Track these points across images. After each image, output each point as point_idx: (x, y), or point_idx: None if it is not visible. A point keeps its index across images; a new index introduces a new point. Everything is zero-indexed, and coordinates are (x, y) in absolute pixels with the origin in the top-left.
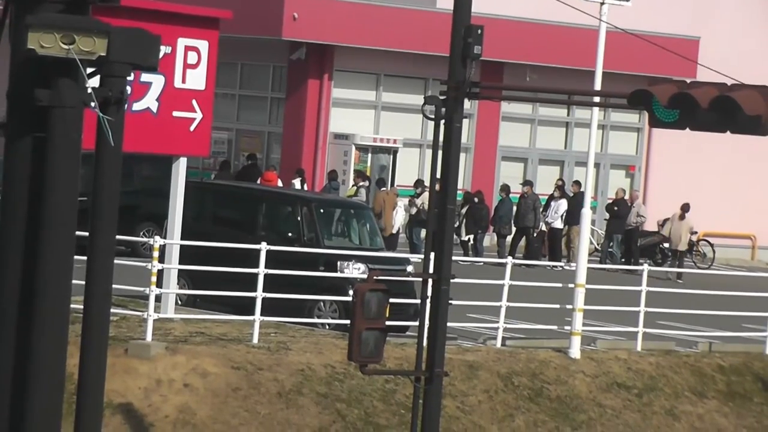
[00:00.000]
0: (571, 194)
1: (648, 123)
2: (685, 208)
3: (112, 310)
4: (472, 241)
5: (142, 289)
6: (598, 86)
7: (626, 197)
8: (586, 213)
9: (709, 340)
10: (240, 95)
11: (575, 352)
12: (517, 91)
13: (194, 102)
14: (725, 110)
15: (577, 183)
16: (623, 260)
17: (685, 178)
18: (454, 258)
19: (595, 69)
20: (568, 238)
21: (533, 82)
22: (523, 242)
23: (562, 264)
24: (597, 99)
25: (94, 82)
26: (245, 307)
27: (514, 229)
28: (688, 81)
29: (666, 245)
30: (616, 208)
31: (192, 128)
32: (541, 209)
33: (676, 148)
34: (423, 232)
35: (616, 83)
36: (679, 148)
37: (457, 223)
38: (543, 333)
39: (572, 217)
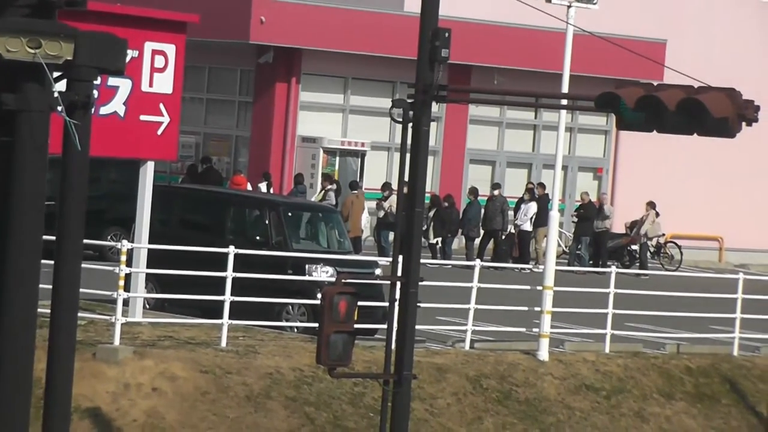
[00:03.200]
0: (537, 196)
1: (615, 126)
2: (652, 204)
3: (79, 315)
4: (440, 244)
5: (109, 293)
6: (565, 89)
7: (594, 200)
8: (554, 215)
9: (676, 342)
10: (207, 99)
11: (543, 354)
12: (484, 94)
13: (161, 106)
14: (692, 113)
15: (542, 185)
16: (591, 262)
17: (653, 180)
18: (422, 261)
19: (562, 72)
20: (534, 240)
21: (501, 84)
22: (491, 245)
23: (530, 266)
24: (564, 102)
25: (61, 86)
26: (213, 310)
27: (482, 231)
28: (655, 84)
29: (634, 247)
30: (582, 211)
31: (159, 132)
32: (509, 212)
33: (643, 150)
34: (391, 235)
35: (584, 86)
36: (647, 151)
37: (425, 226)
38: (511, 335)
39: (538, 219)
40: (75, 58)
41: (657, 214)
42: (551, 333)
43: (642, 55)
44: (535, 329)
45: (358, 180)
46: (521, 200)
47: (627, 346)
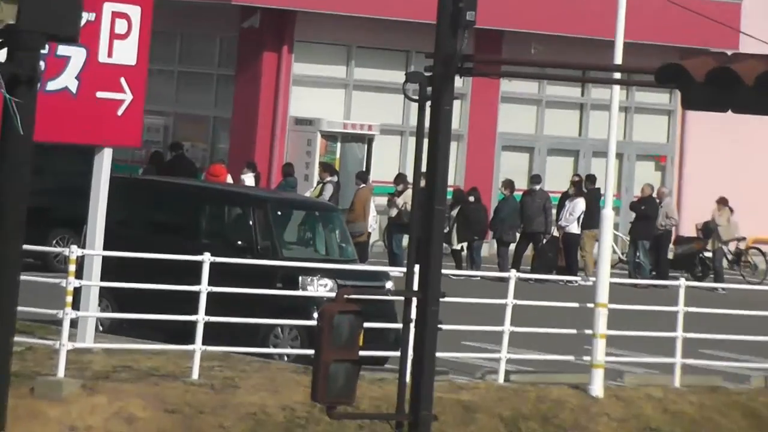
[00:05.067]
0: (586, 191)
1: (681, 104)
2: (724, 201)
3: (15, 339)
4: (465, 251)
5: (54, 311)
6: (618, 60)
7: (655, 194)
8: (607, 214)
9: (764, 374)
10: (180, 72)
11: (597, 389)
12: (520, 66)
13: (123, 80)
14: None
15: (591, 178)
16: (654, 272)
17: (728, 171)
18: (444, 271)
19: (615, 39)
20: (582, 246)
21: (539, 54)
22: (530, 251)
23: (578, 278)
24: (618, 75)
25: (1, 56)
26: (183, 333)
27: (518, 234)
28: (729, 53)
29: (708, 254)
30: (643, 208)
31: (120, 112)
32: (552, 210)
33: (715, 135)
34: (405, 239)
35: (642, 56)
36: (720, 135)
37: (448, 228)
38: (556, 365)
39: (587, 219)
40: (18, 22)
41: (731, 211)
42: (606, 362)
43: (713, 18)
44: (586, 357)
45: (364, 170)
46: (566, 196)
47: (702, 379)
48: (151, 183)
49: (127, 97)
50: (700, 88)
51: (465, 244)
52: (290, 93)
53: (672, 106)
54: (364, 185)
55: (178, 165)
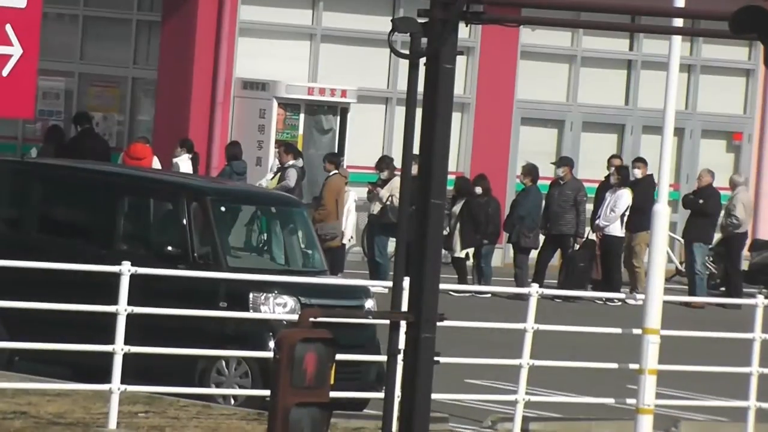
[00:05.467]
0: (634, 180)
1: (763, 62)
2: None
3: None
4: (472, 259)
5: None
6: (680, 1)
7: (724, 184)
8: (661, 211)
9: None
10: (86, 18)
11: None
12: (546, 9)
13: (9, 28)
14: None
15: (641, 162)
16: (722, 287)
17: None
18: (442, 286)
19: None
20: (630, 252)
21: None
22: (557, 259)
23: (622, 295)
24: (678, 22)
25: None
26: (96, 369)
27: (542, 237)
28: None
29: None
30: (701, 201)
31: (5, 72)
32: (587, 205)
33: None
34: (392, 244)
35: None
36: None
37: (448, 230)
38: (591, 410)
39: (636, 217)
40: None
41: None
42: (657, 407)
43: None
44: (630, 400)
45: (336, 151)
46: (606, 185)
47: None
48: (49, 168)
49: (15, 51)
50: None
51: (471, 251)
52: (236, 46)
53: (752, 65)
54: (336, 171)
55: (84, 144)
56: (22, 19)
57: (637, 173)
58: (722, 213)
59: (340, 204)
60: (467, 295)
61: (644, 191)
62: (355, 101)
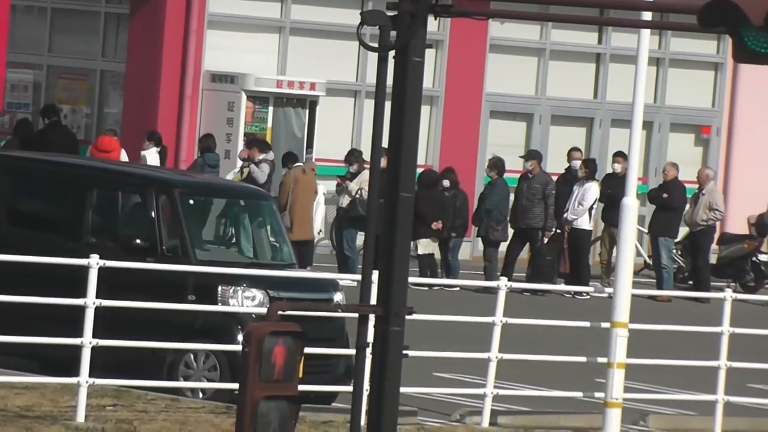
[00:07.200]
0: (613, 173)
1: (732, 56)
2: None
3: None
4: (438, 252)
5: None
6: None
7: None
8: (630, 205)
9: None
10: (54, 9)
11: None
12: (516, 2)
13: None
14: None
15: (623, 156)
16: (690, 281)
17: None
18: (411, 280)
19: None
20: (603, 246)
21: None
22: (526, 253)
23: (590, 288)
24: (648, 16)
25: None
26: (63, 362)
27: (511, 231)
28: None
29: (762, 257)
30: (665, 195)
31: None
32: (554, 199)
33: None
34: (360, 237)
35: None
36: None
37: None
38: (559, 403)
39: (606, 210)
40: None
41: None
42: (626, 400)
43: None
44: (598, 394)
45: (305, 145)
46: (573, 179)
47: (752, 423)
48: (15, 161)
49: None
50: (758, 33)
51: (436, 245)
52: (204, 39)
53: (720, 58)
54: (299, 164)
55: (52, 136)
56: None
57: (617, 168)
58: (700, 208)
59: (297, 199)
60: (435, 288)
61: (612, 185)
62: (324, 94)
